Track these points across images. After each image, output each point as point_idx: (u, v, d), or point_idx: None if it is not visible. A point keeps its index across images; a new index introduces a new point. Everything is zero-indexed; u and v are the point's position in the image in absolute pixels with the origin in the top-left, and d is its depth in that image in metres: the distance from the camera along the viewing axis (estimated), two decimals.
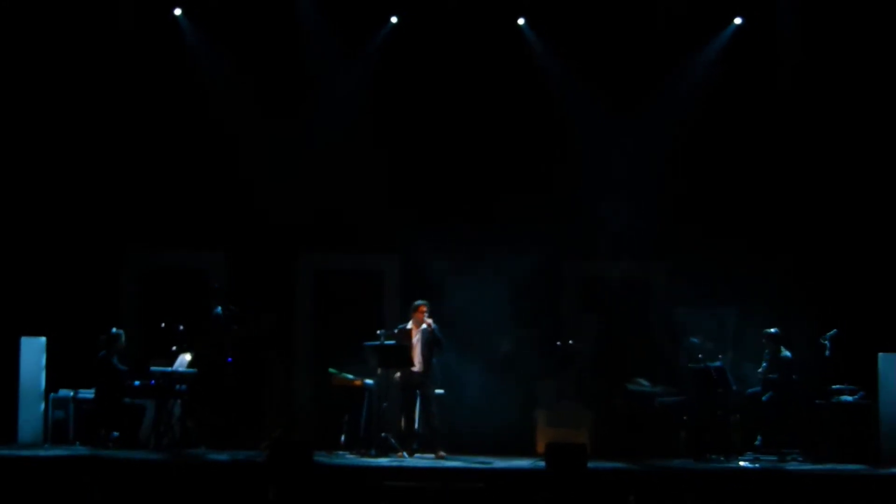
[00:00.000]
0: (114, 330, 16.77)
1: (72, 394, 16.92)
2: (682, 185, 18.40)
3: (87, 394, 16.81)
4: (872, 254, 18.05)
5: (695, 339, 17.02)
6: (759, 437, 16.59)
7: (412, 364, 16.09)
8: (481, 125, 18.62)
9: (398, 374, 16.30)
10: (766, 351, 16.78)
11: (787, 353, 16.64)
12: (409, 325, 16.36)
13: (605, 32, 18.43)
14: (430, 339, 16.22)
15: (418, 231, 17.98)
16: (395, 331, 16.40)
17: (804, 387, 16.68)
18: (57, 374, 17.14)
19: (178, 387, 16.52)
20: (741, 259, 17.80)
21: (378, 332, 16.49)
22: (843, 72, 18.22)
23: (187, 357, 16.70)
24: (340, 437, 16.51)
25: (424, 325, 16.21)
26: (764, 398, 16.57)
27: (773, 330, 16.78)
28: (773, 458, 16.01)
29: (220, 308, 16.91)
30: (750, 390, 16.67)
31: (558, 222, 18.30)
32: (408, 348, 16.16)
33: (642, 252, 18.36)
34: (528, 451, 16.56)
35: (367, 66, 18.80)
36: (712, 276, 17.67)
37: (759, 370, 16.74)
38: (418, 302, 16.41)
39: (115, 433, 16.37)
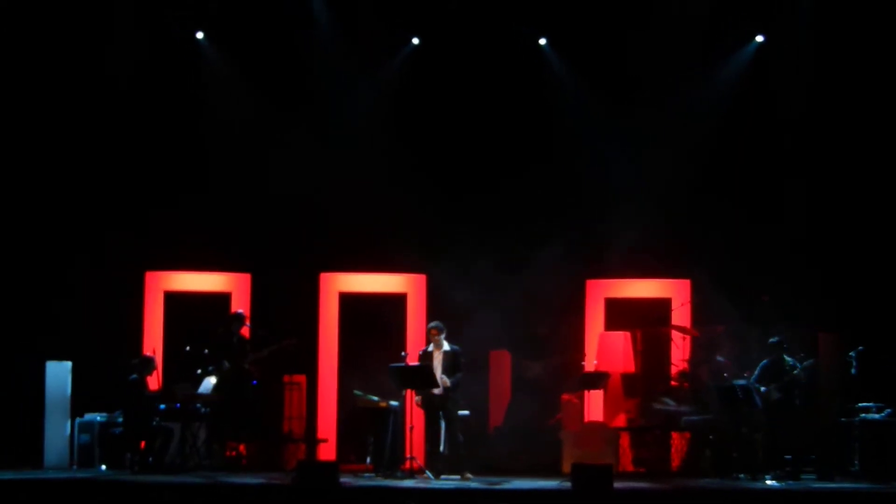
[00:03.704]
0: (146, 354, 16.89)
1: (98, 417, 16.97)
2: (703, 202, 18.43)
3: (114, 417, 16.86)
4: None
5: (720, 358, 16.93)
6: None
7: (437, 385, 16.03)
8: (504, 147, 18.72)
9: (418, 398, 16.17)
10: (765, 362, 16.32)
11: (790, 360, 16.20)
12: (431, 347, 16.28)
13: (623, 46, 18.43)
14: (452, 363, 16.15)
15: (443, 252, 18.02)
16: (421, 353, 16.37)
17: (824, 401, 16.55)
18: (82, 398, 17.20)
19: (203, 410, 16.57)
20: (764, 276, 17.74)
21: (402, 353, 16.54)
22: (862, 82, 18.19)
23: (213, 380, 16.73)
24: (366, 459, 16.51)
25: (447, 348, 16.17)
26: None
27: (774, 339, 16.22)
28: (799, 476, 15.88)
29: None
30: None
31: (582, 242, 18.38)
32: (432, 369, 16.12)
33: (664, 270, 18.34)
34: (554, 472, 16.49)
35: (388, 85, 18.92)
36: (734, 294, 17.60)
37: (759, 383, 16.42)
38: (430, 325, 16.40)
39: (129, 454, 16.36)
